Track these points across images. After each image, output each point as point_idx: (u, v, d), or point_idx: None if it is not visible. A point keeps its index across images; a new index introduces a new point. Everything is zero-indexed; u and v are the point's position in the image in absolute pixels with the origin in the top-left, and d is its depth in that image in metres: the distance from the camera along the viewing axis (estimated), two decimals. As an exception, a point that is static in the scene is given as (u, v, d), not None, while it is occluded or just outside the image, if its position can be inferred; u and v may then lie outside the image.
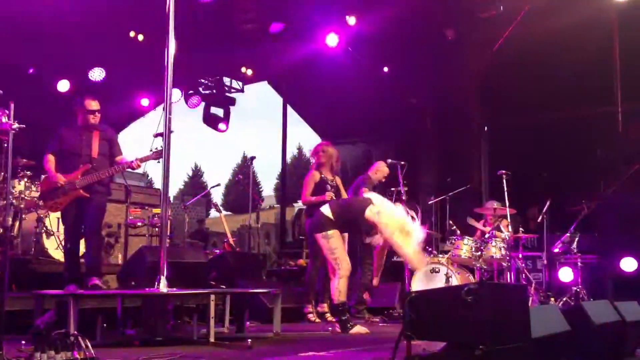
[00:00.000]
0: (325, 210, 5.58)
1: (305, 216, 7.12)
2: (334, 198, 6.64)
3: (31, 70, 9.62)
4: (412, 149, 9.84)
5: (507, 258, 6.75)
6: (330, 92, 11.92)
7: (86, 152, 5.70)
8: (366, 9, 9.36)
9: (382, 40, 10.14)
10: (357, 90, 11.00)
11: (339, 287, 5.43)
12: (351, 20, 9.43)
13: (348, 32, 9.63)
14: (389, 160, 7.65)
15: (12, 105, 4.02)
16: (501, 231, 7.13)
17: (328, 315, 6.66)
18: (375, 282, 6.64)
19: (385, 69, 10.35)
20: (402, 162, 7.44)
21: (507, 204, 6.78)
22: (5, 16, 7.63)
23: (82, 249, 5.95)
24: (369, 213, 5.33)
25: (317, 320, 6.60)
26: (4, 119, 3.82)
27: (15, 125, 3.92)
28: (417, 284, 6.71)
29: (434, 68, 10.16)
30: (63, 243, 6.27)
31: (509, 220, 6.86)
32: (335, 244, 5.43)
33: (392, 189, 7.56)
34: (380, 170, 7.45)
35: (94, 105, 5.78)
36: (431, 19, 9.79)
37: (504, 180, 6.80)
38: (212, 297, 4.77)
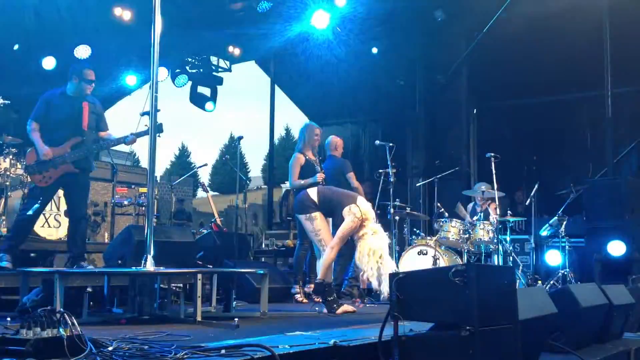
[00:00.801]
0: (312, 192, 5.55)
1: (293, 197, 7.09)
2: (323, 182, 6.64)
3: (16, 47, 9.45)
4: (400, 131, 9.84)
5: (495, 241, 6.78)
6: (318, 73, 11.83)
7: (77, 123, 5.47)
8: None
9: (371, 21, 10.07)
10: (345, 71, 10.94)
11: (324, 268, 5.42)
12: (340, 0, 9.35)
13: (337, 12, 9.54)
14: (377, 142, 7.63)
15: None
16: (489, 214, 7.15)
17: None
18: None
19: (374, 50, 10.30)
20: (391, 144, 7.40)
21: (496, 186, 6.78)
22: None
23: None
24: (346, 210, 5.33)
25: (305, 300, 6.61)
26: None
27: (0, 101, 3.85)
28: (405, 266, 6.73)
29: (423, 49, 10.11)
30: (23, 212, 5.91)
31: (497, 203, 6.87)
32: (319, 226, 5.41)
33: (380, 170, 7.54)
34: (339, 144, 7.38)
35: (92, 75, 5.58)
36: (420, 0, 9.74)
37: (493, 163, 6.80)
38: (199, 276, 4.73)
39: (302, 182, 6.64)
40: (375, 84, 10.47)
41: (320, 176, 6.63)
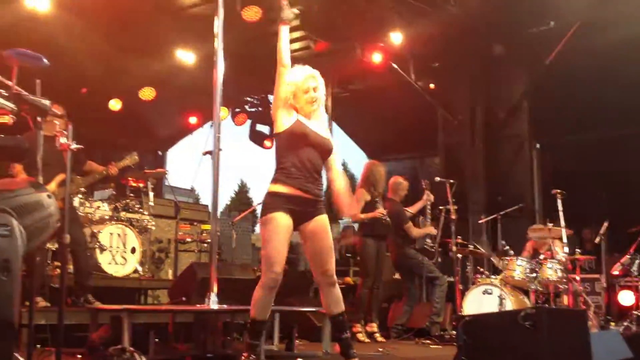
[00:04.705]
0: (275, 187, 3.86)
1: (356, 235, 7.11)
2: (385, 216, 6.63)
3: (84, 90, 9.88)
4: (459, 166, 9.66)
5: (564, 280, 6.53)
6: (374, 108, 11.89)
7: (58, 161, 5.07)
8: (411, 25, 9.32)
9: (427, 56, 10.07)
10: (402, 106, 10.93)
11: (255, 298, 3.91)
12: (396, 37, 9.40)
13: (392, 48, 9.60)
14: (437, 179, 7.55)
15: (70, 127, 4.12)
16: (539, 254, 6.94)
17: (377, 334, 6.60)
18: None
19: (432, 86, 10.27)
20: (451, 181, 7.32)
21: (563, 224, 6.55)
22: (57, 37, 7.86)
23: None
24: None
25: (366, 339, 6.54)
26: (63, 140, 3.91)
27: (74, 146, 4.00)
28: (469, 305, 6.55)
29: (481, 84, 10.01)
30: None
31: (565, 241, 6.63)
32: (268, 235, 3.79)
33: (441, 207, 7.45)
34: (400, 188, 7.23)
35: (61, 108, 5.37)
36: (479, 34, 9.68)
37: (559, 200, 6.59)
38: (262, 314, 4.73)
39: (363, 216, 6.64)
40: (433, 119, 10.40)
41: (380, 212, 6.62)
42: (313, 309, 6.08)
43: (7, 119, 3.52)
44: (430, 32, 9.54)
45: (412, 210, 7.26)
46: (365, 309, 6.70)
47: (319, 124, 3.96)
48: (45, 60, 3.92)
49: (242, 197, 49.01)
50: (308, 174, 3.80)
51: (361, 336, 6.54)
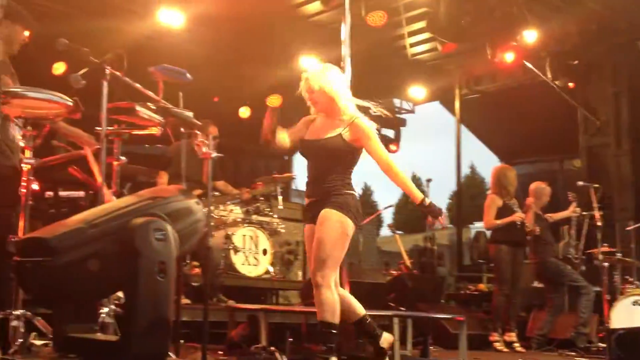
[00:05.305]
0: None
1: (489, 241, 6.85)
2: (524, 219, 6.34)
3: (216, 99, 10.31)
4: (604, 170, 9.00)
5: None
6: (506, 109, 11.44)
7: (198, 177, 5.31)
8: (546, 22, 8.84)
9: (565, 54, 9.51)
10: (536, 106, 10.41)
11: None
12: (529, 34, 8.94)
13: (526, 46, 9.14)
14: (580, 183, 7.13)
15: (211, 137, 4.24)
16: None
17: (516, 344, 6.31)
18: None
19: (571, 84, 9.66)
20: (596, 185, 6.89)
21: None
22: (190, 49, 8.25)
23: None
24: None
25: (505, 349, 6.27)
26: (204, 149, 4.04)
27: (214, 154, 4.13)
28: (618, 317, 6.05)
29: (627, 81, 9.28)
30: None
31: None
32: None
33: (584, 213, 7.02)
34: (543, 194, 6.81)
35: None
36: (622, 30, 9.01)
37: None
38: (395, 320, 4.67)
39: (499, 222, 6.43)
40: (571, 119, 9.78)
41: (518, 215, 6.35)
42: (448, 316, 5.94)
43: (156, 131, 3.73)
44: (568, 29, 9.03)
45: (554, 217, 6.87)
46: (502, 318, 6.45)
47: (330, 123, 3.96)
48: (188, 75, 4.10)
49: (366, 201, 49.25)
50: (310, 179, 3.99)
51: (499, 345, 6.29)
